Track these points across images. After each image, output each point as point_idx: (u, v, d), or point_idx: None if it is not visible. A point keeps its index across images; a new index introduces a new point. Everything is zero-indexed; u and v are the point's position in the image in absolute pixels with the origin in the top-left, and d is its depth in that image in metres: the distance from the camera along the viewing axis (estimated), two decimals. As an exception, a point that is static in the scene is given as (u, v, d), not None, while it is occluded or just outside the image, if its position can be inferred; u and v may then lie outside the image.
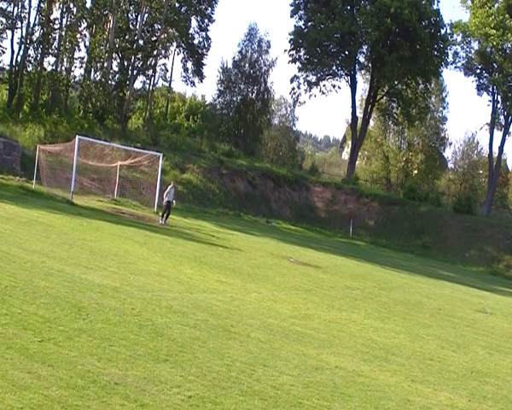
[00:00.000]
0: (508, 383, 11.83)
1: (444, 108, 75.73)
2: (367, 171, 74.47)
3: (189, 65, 58.98)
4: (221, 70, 62.63)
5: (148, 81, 54.02)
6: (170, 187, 29.20)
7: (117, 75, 49.74)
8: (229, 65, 62.73)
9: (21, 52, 43.70)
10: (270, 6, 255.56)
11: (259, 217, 43.69)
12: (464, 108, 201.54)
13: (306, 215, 49.90)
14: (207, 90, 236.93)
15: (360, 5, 58.26)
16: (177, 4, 51.99)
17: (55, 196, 28.78)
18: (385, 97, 62.35)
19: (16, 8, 43.79)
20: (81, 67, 48.08)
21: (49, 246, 15.78)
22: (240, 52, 62.75)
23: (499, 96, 59.52)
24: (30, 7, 44.33)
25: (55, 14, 45.75)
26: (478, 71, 61.26)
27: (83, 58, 47.69)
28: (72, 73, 47.84)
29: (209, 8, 56.67)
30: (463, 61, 61.18)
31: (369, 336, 13.52)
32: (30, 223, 19.26)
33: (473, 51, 60.83)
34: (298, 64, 60.17)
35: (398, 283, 25.17)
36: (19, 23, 43.84)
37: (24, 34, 43.55)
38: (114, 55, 48.68)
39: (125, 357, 8.34)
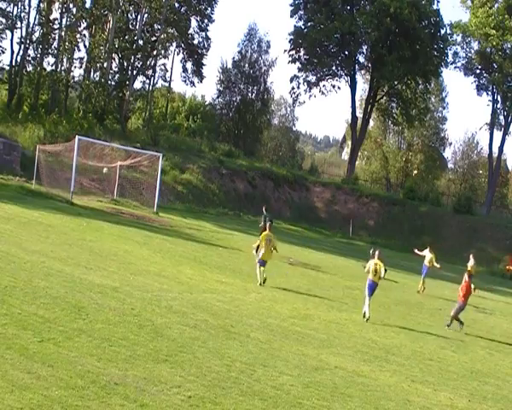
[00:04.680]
0: (508, 384, 11.84)
1: (443, 108, 75.81)
2: (367, 171, 74.46)
3: (189, 65, 58.95)
4: (221, 70, 62.66)
5: (147, 81, 53.97)
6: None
7: (116, 75, 49.67)
8: (229, 65, 62.80)
9: (21, 52, 43.65)
10: (270, 6, 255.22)
11: (259, 217, 43.60)
12: (464, 108, 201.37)
13: (306, 215, 49.84)
14: (207, 90, 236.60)
15: (360, 5, 58.25)
16: (176, 4, 51.94)
17: (55, 196, 28.77)
18: (385, 97, 62.32)
19: (16, 9, 43.78)
20: (81, 67, 48.08)
21: (48, 246, 15.77)
22: (239, 52, 62.76)
23: (499, 96, 59.51)
24: (29, 7, 44.33)
25: (55, 14, 45.73)
26: (478, 71, 61.24)
27: (82, 58, 47.67)
28: (71, 74, 47.80)
29: (209, 8, 56.57)
30: (463, 61, 61.17)
31: (369, 336, 13.52)
32: (30, 223, 19.26)
33: (472, 51, 60.84)
34: (298, 64, 60.19)
35: (398, 283, 25.17)
36: (18, 23, 43.80)
37: (24, 34, 43.51)
38: (114, 55, 48.60)
39: (125, 357, 8.34)
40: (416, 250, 25.19)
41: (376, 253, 16.13)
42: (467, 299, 16.92)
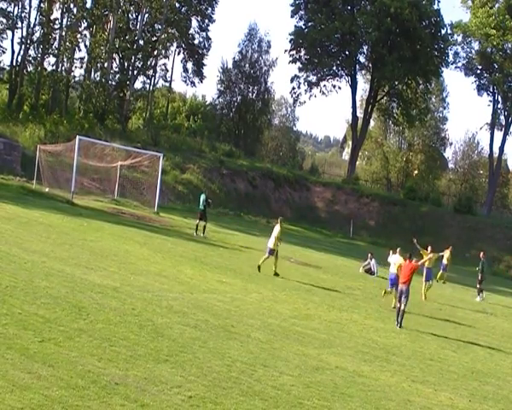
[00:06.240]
0: (508, 384, 11.83)
1: (444, 109, 75.78)
2: (367, 171, 74.45)
3: (190, 65, 59.00)
4: (221, 70, 62.66)
5: (148, 81, 54.00)
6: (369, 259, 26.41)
7: (117, 75, 49.71)
8: (230, 65, 62.79)
9: (22, 52, 43.66)
10: (270, 6, 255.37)
11: (260, 217, 43.66)
12: (465, 109, 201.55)
13: (307, 215, 49.84)
14: (208, 90, 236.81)
15: (360, 5, 58.24)
16: (177, 4, 51.94)
17: (56, 196, 28.77)
18: (385, 98, 62.31)
19: (16, 9, 43.81)
20: (81, 67, 48.13)
21: (49, 246, 15.78)
22: (240, 52, 62.77)
23: (499, 97, 59.51)
24: (30, 7, 44.37)
25: (56, 14, 45.76)
26: (478, 71, 61.24)
27: (83, 58, 47.72)
28: (72, 74, 47.85)
29: (209, 9, 56.62)
30: (464, 61, 61.18)
31: (370, 336, 13.52)
32: (30, 223, 19.26)
33: (473, 51, 60.85)
34: (298, 64, 60.18)
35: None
36: (19, 23, 43.84)
37: (24, 34, 43.54)
38: (115, 55, 48.63)
39: (126, 357, 8.34)
40: (415, 241, 22.92)
41: (398, 249, 17.95)
42: (405, 281, 15.21)
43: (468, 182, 72.88)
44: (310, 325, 13.15)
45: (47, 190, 29.61)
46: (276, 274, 19.39)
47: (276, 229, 20.09)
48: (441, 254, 27.03)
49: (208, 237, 25.97)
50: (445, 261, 28.62)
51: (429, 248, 23.17)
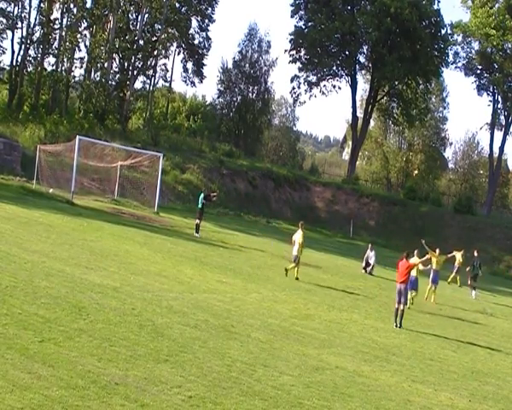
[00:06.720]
0: (508, 384, 11.83)
1: (444, 108, 75.79)
2: (367, 171, 74.45)
3: (190, 65, 59.01)
4: (221, 70, 62.65)
5: (148, 81, 54.03)
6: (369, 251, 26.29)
7: (117, 75, 49.70)
8: (230, 65, 62.78)
9: (22, 52, 43.65)
10: (270, 6, 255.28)
11: (260, 217, 43.66)
12: (465, 109, 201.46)
13: (307, 215, 49.74)
14: (208, 90, 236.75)
15: (360, 5, 58.22)
16: (177, 4, 51.92)
17: (56, 196, 28.76)
18: (385, 98, 62.30)
19: (16, 9, 43.81)
20: (81, 67, 48.09)
21: (49, 246, 15.77)
22: (240, 52, 62.75)
23: (499, 97, 59.49)
24: (30, 7, 44.35)
25: (56, 14, 45.72)
26: (478, 71, 61.22)
27: (83, 58, 47.68)
28: (72, 74, 47.79)
29: (209, 9, 56.64)
30: (464, 62, 61.15)
31: (370, 336, 13.52)
32: (30, 223, 19.26)
33: (473, 51, 60.83)
34: (298, 64, 60.17)
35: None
36: (19, 23, 43.82)
37: (24, 34, 43.51)
38: (114, 55, 48.61)
39: (126, 357, 8.34)
40: (423, 242, 22.22)
41: (416, 251, 17.31)
42: (402, 280, 15.25)
43: (468, 182, 72.87)
44: (310, 325, 13.15)
45: (51, 190, 29.58)
46: (286, 271, 19.59)
47: (299, 234, 20.12)
48: (450, 255, 25.78)
49: (208, 238, 25.96)
50: (457, 264, 28.62)
51: (437, 251, 22.70)
